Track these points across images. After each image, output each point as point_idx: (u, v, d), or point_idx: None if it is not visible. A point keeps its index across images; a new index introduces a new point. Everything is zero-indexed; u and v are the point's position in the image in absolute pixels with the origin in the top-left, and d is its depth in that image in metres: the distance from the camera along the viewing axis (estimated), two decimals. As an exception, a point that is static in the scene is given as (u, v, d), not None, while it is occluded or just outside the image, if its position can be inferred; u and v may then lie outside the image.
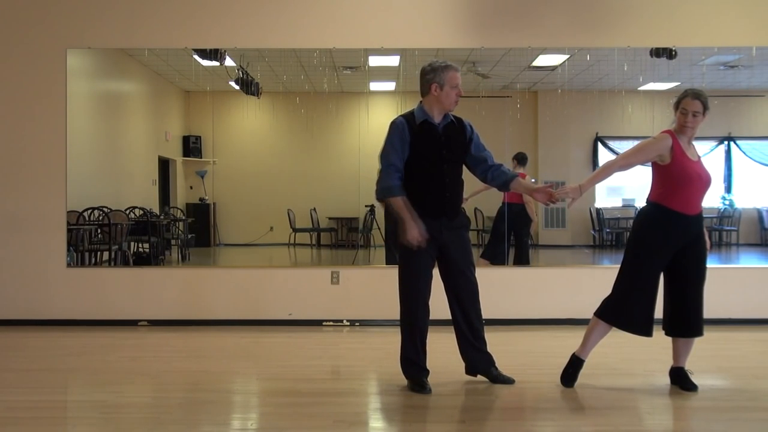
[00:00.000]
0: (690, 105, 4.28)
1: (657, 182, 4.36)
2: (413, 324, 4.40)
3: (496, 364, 4.59)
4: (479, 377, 4.59)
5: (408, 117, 4.41)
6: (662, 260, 4.33)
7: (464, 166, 4.57)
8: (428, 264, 4.41)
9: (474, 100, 8.88)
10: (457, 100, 4.41)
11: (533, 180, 9.14)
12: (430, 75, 4.37)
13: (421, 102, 4.46)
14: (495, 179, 4.54)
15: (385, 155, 4.37)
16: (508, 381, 4.54)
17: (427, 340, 4.45)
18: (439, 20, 6.88)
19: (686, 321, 4.35)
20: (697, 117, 4.28)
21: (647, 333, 4.36)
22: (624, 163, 4.46)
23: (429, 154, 4.36)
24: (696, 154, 4.35)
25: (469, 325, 4.51)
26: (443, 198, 4.40)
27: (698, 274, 4.35)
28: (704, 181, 4.30)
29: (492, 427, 3.90)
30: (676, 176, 4.26)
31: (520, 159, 8.14)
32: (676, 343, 4.46)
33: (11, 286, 6.79)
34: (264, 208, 10.49)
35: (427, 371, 4.45)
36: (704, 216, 4.41)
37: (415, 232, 4.26)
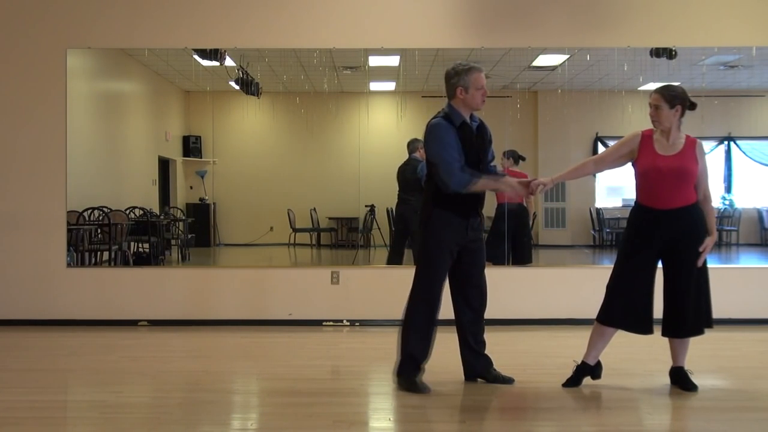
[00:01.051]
0: (650, 98, 4.33)
1: None
2: (430, 324, 4.40)
3: (494, 365, 4.58)
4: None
5: (447, 119, 4.38)
6: (642, 255, 4.31)
7: None
8: (449, 265, 4.43)
9: (474, 100, 8.88)
10: (484, 100, 4.41)
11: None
12: (455, 79, 4.37)
13: (450, 104, 4.43)
14: None
15: (441, 154, 4.28)
16: (507, 381, 4.54)
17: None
18: (439, 20, 6.88)
19: (672, 320, 4.34)
20: (659, 110, 4.27)
21: (642, 330, 4.35)
22: (598, 159, 4.66)
23: (468, 155, 4.36)
24: (676, 149, 4.27)
25: (473, 330, 4.52)
26: (477, 198, 4.43)
27: (682, 273, 4.28)
28: (662, 173, 4.22)
29: (492, 427, 3.90)
30: (638, 170, 4.35)
31: (516, 158, 8.04)
32: (671, 342, 4.46)
33: (11, 286, 6.78)
34: (264, 208, 10.49)
35: (422, 371, 4.45)
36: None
37: (518, 187, 4.40)
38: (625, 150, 4.40)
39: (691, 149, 4.31)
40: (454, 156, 4.29)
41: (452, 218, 4.35)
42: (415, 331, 4.41)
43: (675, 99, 4.27)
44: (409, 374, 4.41)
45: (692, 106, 4.35)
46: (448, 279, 4.50)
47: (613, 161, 4.49)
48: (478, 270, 4.51)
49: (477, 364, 4.56)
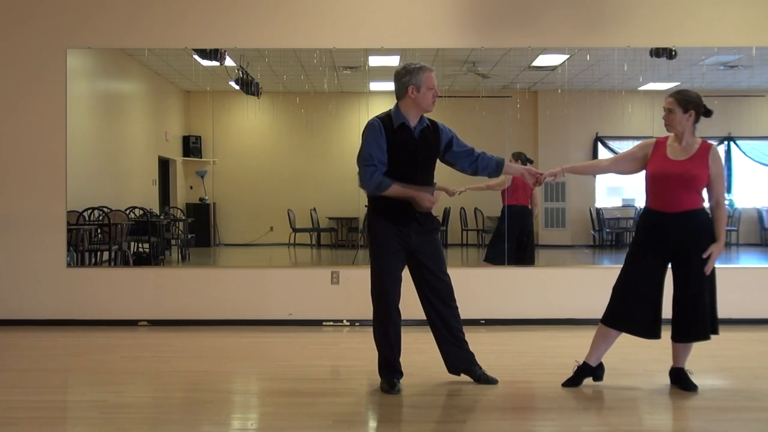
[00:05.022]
0: (665, 102, 4.35)
1: None
2: (387, 325, 4.41)
3: (479, 363, 4.54)
4: (463, 377, 4.56)
5: (384, 119, 4.34)
6: (649, 259, 4.31)
7: (451, 167, 4.57)
8: (397, 267, 4.41)
9: (474, 100, 8.89)
10: (434, 101, 4.36)
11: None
12: (406, 78, 4.30)
13: (397, 104, 4.38)
14: (486, 168, 4.54)
15: (363, 153, 4.31)
16: (491, 381, 4.51)
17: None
18: (439, 20, 6.88)
19: (681, 325, 4.33)
20: (672, 114, 4.29)
21: (648, 335, 4.35)
22: (613, 159, 4.71)
23: (404, 159, 4.32)
24: (688, 154, 4.28)
25: (446, 325, 4.48)
26: (411, 206, 4.35)
27: (690, 277, 4.25)
28: (668, 178, 4.23)
29: (492, 427, 3.90)
30: (647, 174, 4.38)
31: (524, 161, 8.04)
32: (675, 344, 4.45)
33: (11, 286, 6.78)
34: (264, 208, 10.49)
35: (401, 373, 4.45)
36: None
37: (426, 199, 4.28)
38: (640, 153, 4.43)
39: (704, 155, 4.28)
40: (372, 157, 4.28)
41: (390, 226, 4.33)
42: (378, 332, 4.46)
43: (689, 104, 4.28)
44: (386, 375, 4.43)
45: (707, 113, 4.33)
46: (412, 279, 4.49)
47: (627, 163, 4.50)
48: (433, 270, 4.44)
49: (458, 357, 4.51)
